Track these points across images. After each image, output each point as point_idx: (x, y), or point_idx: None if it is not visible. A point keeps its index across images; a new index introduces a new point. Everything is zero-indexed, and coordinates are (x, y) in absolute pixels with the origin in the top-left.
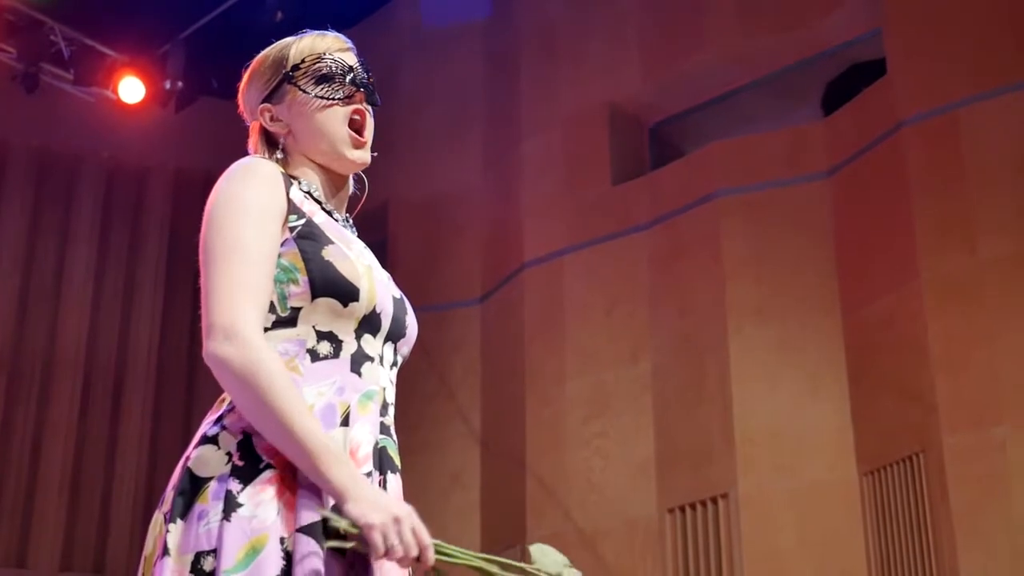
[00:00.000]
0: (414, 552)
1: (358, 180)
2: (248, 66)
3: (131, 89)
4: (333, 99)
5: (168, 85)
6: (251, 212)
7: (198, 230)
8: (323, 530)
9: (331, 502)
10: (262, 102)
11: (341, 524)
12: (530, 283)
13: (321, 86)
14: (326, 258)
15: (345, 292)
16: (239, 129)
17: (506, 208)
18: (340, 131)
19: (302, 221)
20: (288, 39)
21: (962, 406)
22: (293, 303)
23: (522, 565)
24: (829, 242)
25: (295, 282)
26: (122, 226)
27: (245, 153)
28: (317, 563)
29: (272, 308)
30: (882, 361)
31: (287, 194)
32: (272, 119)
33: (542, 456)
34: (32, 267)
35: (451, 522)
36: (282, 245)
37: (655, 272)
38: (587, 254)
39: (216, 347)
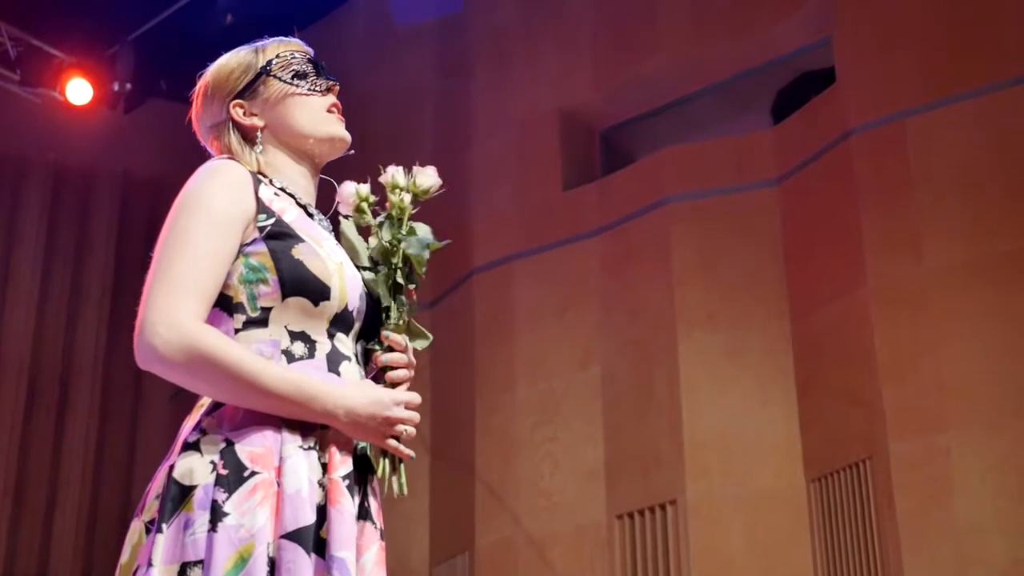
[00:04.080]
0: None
1: (325, 184)
2: (202, 75)
3: (79, 90)
4: (314, 91)
5: (116, 87)
6: (206, 212)
7: (145, 233)
8: (362, 465)
9: (315, 502)
10: (232, 99)
11: (369, 455)
12: (480, 288)
13: (299, 78)
14: (296, 256)
15: (316, 291)
16: (188, 132)
17: (456, 213)
18: (322, 114)
19: (271, 220)
20: (243, 47)
21: (908, 413)
22: (263, 303)
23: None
24: (778, 249)
25: (265, 282)
26: (69, 228)
27: (195, 156)
28: (301, 570)
29: (242, 309)
30: (830, 368)
31: (255, 194)
32: (246, 113)
33: (491, 462)
34: None
35: (399, 529)
36: (251, 244)
37: (605, 278)
38: (537, 260)
39: (148, 339)
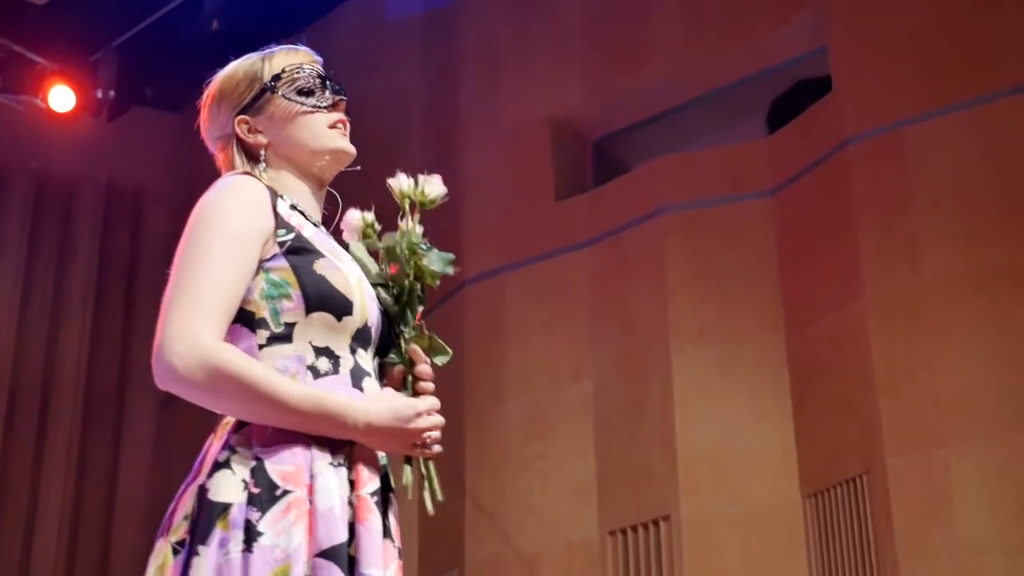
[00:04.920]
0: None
1: (330, 199)
2: (209, 84)
3: (61, 98)
4: (320, 107)
5: (100, 94)
6: (223, 229)
7: (129, 242)
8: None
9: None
10: (237, 114)
11: (388, 470)
12: (470, 300)
13: (304, 95)
14: (318, 272)
15: (339, 306)
16: (173, 140)
17: (446, 224)
18: (326, 130)
19: (291, 235)
20: (253, 55)
21: (905, 427)
22: (287, 318)
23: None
24: (773, 260)
25: (288, 297)
26: (51, 237)
27: (180, 164)
28: None
29: (265, 324)
30: (826, 381)
31: (274, 209)
32: (250, 130)
33: (481, 478)
34: None
35: None
36: (271, 260)
37: (597, 290)
38: (528, 271)
39: (166, 358)
